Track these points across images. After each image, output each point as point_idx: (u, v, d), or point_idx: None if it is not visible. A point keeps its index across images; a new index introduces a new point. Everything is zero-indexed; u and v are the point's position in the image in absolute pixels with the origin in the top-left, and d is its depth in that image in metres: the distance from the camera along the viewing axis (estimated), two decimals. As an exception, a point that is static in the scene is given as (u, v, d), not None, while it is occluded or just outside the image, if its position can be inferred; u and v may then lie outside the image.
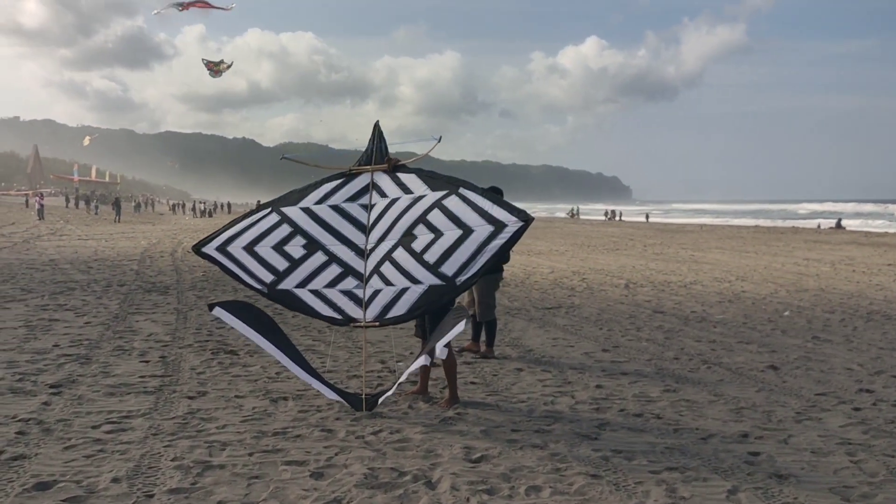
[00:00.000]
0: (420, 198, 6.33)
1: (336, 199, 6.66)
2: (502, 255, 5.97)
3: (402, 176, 6.57)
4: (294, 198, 6.77)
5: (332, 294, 6.43)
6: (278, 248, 6.55)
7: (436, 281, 6.06)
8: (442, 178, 6.39)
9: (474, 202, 6.06)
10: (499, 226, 5.87)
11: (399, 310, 6.23)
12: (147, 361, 7.99)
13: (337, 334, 9.63)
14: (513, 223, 5.84)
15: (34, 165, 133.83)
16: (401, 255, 6.23)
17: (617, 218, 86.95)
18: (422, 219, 6.21)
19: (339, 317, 6.41)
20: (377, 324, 6.36)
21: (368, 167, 6.71)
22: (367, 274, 6.39)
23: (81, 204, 76.44)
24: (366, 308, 6.33)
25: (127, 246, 26.40)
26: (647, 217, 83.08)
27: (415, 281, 6.14)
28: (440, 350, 5.71)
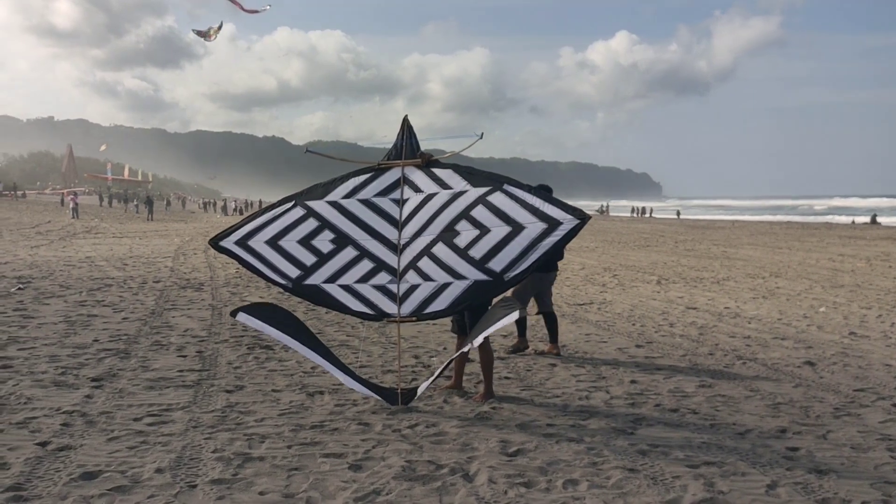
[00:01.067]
0: (460, 193, 6.32)
1: (365, 194, 6.63)
2: (556, 252, 6.01)
3: (438, 171, 6.55)
4: (319, 192, 6.73)
5: (364, 289, 6.44)
6: (305, 242, 6.53)
7: (482, 276, 6.10)
8: (482, 174, 6.38)
9: (523, 199, 6.09)
10: (552, 223, 5.91)
11: (439, 305, 6.26)
12: (185, 356, 8.11)
13: (370, 329, 9.70)
14: (568, 221, 5.87)
15: (68, 164, 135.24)
16: (442, 250, 6.26)
17: (647, 214, 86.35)
18: (464, 215, 6.22)
19: (372, 312, 6.43)
20: (414, 319, 6.39)
21: (399, 161, 6.66)
22: (402, 269, 6.40)
23: (115, 203, 77.39)
24: (401, 303, 6.36)
25: (160, 244, 26.72)
26: (679, 214, 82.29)
27: (458, 276, 6.17)
28: (479, 339, 5.82)
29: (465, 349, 6.26)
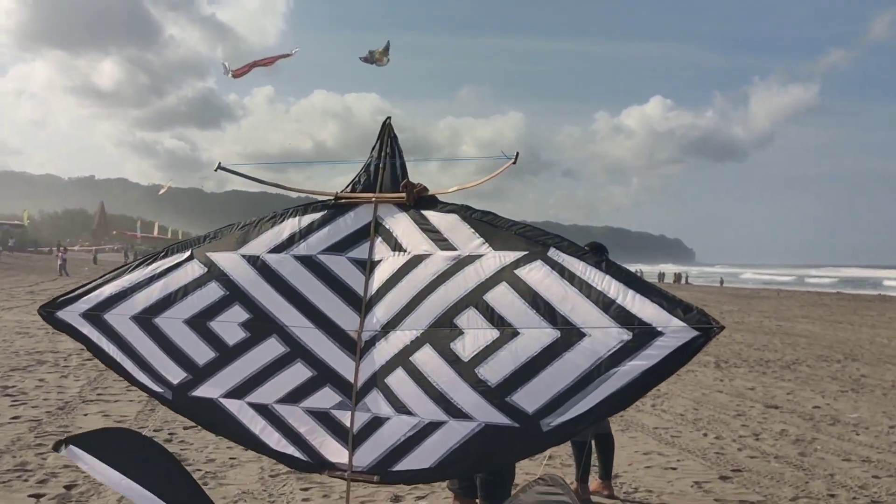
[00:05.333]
0: (470, 260, 3.55)
1: (309, 248, 3.85)
2: (648, 386, 3.21)
3: (434, 216, 3.74)
4: (234, 238, 3.99)
5: (293, 415, 3.76)
6: (199, 323, 3.86)
7: (500, 419, 3.34)
8: (510, 227, 3.57)
9: (585, 279, 3.28)
10: (644, 332, 3.09)
11: (421, 460, 3.53)
12: (41, 495, 5.39)
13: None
14: (675, 331, 3.06)
15: (99, 221, 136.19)
16: (430, 360, 3.52)
17: (683, 281, 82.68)
18: (474, 300, 3.46)
19: (303, 457, 3.75)
20: (375, 479, 3.68)
21: (370, 195, 3.88)
22: (361, 385, 3.70)
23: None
24: (355, 446, 3.68)
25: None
26: (722, 282, 78.38)
27: (456, 412, 3.43)
28: None
29: None
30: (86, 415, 8.02)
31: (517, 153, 3.60)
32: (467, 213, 3.63)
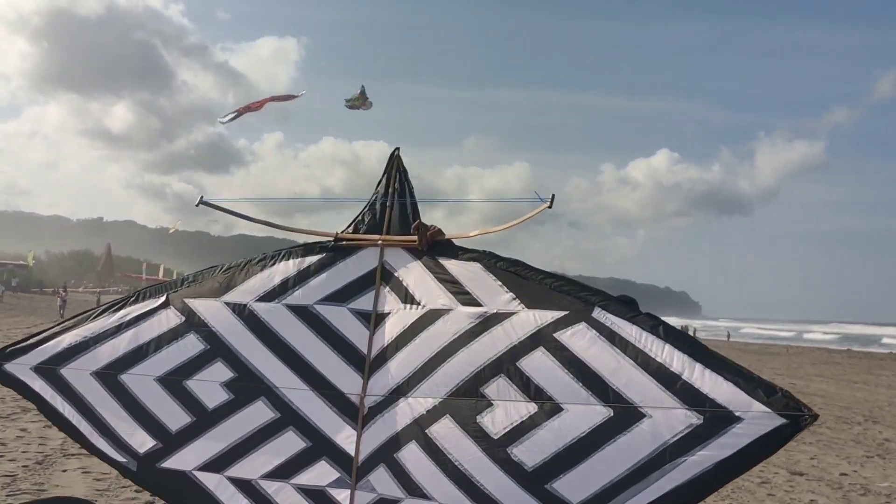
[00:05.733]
0: (500, 318, 3.09)
1: (305, 296, 3.38)
2: (722, 482, 2.82)
3: (453, 264, 3.27)
4: (216, 282, 3.53)
5: (282, 493, 3.29)
6: (173, 382, 3.40)
7: None
8: (543, 280, 3.10)
9: (643, 349, 2.86)
10: (718, 416, 2.68)
11: None
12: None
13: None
14: (756, 416, 2.66)
15: (105, 263, 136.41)
16: (450, 434, 3.06)
17: (690, 334, 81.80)
18: (505, 366, 3.02)
19: None
20: None
21: (375, 237, 3.41)
22: (364, 459, 3.22)
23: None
24: None
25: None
26: (729, 336, 77.64)
27: (483, 499, 2.97)
28: None
29: None
30: (65, 471, 7.49)
31: (553, 196, 3.18)
32: (491, 262, 3.19)
